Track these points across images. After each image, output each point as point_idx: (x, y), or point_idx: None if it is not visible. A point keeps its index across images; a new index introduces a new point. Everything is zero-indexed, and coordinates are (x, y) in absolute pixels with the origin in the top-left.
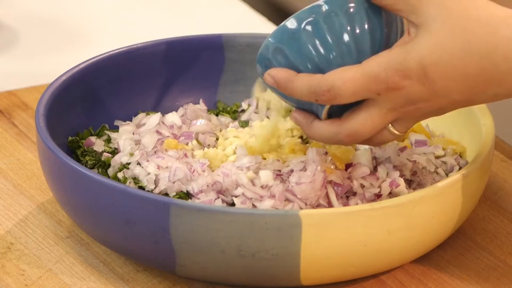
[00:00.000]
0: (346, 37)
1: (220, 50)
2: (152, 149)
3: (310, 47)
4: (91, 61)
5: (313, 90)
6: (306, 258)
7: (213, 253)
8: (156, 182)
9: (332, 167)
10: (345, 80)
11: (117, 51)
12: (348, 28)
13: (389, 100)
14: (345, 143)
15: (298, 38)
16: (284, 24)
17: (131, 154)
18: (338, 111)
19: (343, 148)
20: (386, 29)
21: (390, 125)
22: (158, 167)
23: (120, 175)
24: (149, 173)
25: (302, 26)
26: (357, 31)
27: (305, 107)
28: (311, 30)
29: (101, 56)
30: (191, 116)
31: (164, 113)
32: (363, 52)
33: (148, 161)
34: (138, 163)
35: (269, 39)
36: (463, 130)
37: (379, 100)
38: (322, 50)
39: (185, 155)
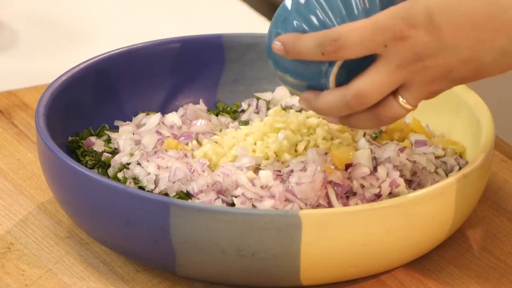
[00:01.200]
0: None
1: (220, 50)
2: (152, 149)
3: (314, 17)
4: (91, 61)
5: (319, 42)
6: (306, 258)
7: (213, 253)
8: (156, 182)
9: (332, 167)
10: (351, 29)
11: (117, 51)
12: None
13: (396, 53)
14: (352, 106)
15: (300, 12)
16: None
17: (131, 154)
18: (346, 81)
19: (342, 148)
20: None
21: (399, 97)
22: (158, 167)
23: (120, 175)
24: (149, 173)
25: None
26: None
27: (314, 86)
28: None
29: (101, 56)
30: (191, 116)
31: (164, 113)
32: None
33: (148, 161)
34: (138, 163)
35: (270, 27)
36: (463, 130)
37: (386, 54)
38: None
39: (185, 155)
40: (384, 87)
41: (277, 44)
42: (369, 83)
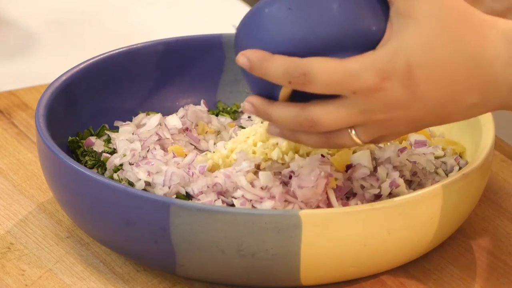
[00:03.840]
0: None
1: (220, 50)
2: (144, 150)
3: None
4: (91, 61)
5: (289, 71)
6: (306, 258)
7: (213, 253)
8: (151, 186)
9: (332, 168)
10: (323, 69)
11: (117, 51)
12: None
13: (364, 102)
14: (302, 127)
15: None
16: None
17: (124, 155)
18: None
19: (341, 151)
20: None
21: (353, 130)
22: (149, 174)
23: (116, 176)
24: (139, 179)
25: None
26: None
27: (265, 93)
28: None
29: (101, 56)
30: (192, 117)
31: (164, 113)
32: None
33: (138, 166)
34: (131, 164)
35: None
36: (463, 130)
37: (353, 99)
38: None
39: (174, 155)
40: (340, 124)
41: (241, 59)
42: (326, 114)
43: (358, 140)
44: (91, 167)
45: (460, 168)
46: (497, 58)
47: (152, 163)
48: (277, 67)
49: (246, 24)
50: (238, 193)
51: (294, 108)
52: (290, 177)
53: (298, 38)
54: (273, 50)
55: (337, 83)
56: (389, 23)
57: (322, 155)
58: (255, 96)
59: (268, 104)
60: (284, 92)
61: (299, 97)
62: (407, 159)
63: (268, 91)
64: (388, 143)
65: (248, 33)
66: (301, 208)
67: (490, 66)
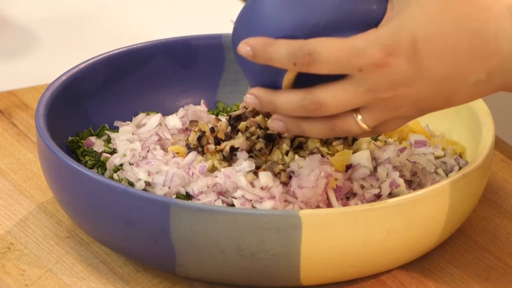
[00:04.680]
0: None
1: (220, 50)
2: (144, 150)
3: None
4: (91, 61)
5: (293, 53)
6: (306, 258)
7: (213, 253)
8: (151, 186)
9: (331, 168)
10: (329, 47)
11: (117, 51)
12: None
13: (370, 79)
14: (307, 111)
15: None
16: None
17: (124, 155)
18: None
19: (341, 151)
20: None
21: (358, 115)
22: (149, 174)
23: (116, 176)
24: (140, 179)
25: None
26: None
27: (267, 84)
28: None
29: (101, 56)
30: (192, 117)
31: (164, 113)
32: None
33: (138, 166)
34: (131, 164)
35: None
36: (463, 130)
37: (358, 77)
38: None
39: (174, 155)
40: (347, 105)
41: (243, 48)
42: (332, 96)
43: (363, 125)
44: (91, 167)
45: (460, 168)
46: (502, 33)
47: (152, 163)
48: (281, 50)
49: (244, 15)
50: (238, 193)
51: (299, 93)
52: (290, 177)
53: (299, 21)
54: (275, 37)
55: (343, 61)
56: (390, 2)
57: (322, 155)
58: (257, 87)
59: (271, 93)
60: (287, 79)
61: (302, 84)
62: (407, 159)
63: (270, 81)
64: (389, 138)
65: (248, 23)
66: (301, 208)
67: (494, 40)
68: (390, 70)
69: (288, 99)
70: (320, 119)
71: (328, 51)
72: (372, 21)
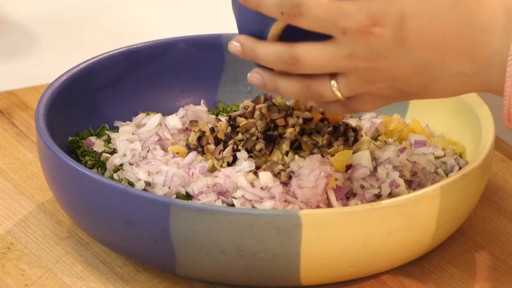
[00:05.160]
0: None
1: (220, 50)
2: (144, 150)
3: None
4: (91, 61)
5: (282, 2)
6: (306, 258)
7: (213, 253)
8: (152, 186)
9: (331, 168)
10: (318, 3)
11: (117, 51)
12: None
13: (352, 44)
14: (285, 63)
15: None
16: None
17: (124, 155)
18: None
19: (340, 151)
20: None
21: (334, 81)
22: (149, 173)
23: (116, 176)
24: (140, 179)
25: None
26: None
27: (255, 33)
28: None
29: (101, 56)
30: (192, 117)
31: (164, 113)
32: None
33: (138, 166)
34: (131, 164)
35: None
36: (463, 130)
37: (341, 40)
38: None
39: (174, 155)
40: (324, 66)
41: None
42: (311, 54)
43: (337, 92)
44: (91, 167)
45: (460, 168)
46: (492, 27)
47: (152, 163)
48: None
49: None
50: (238, 193)
51: (281, 45)
52: (290, 177)
53: None
54: None
55: (328, 19)
56: None
57: (322, 155)
58: (243, 35)
59: (255, 41)
60: (273, 31)
61: (289, 39)
62: (407, 159)
63: (257, 30)
64: (389, 138)
65: None
66: (301, 208)
67: (483, 33)
68: (372, 40)
69: (269, 49)
70: (296, 77)
71: (316, 7)
72: None
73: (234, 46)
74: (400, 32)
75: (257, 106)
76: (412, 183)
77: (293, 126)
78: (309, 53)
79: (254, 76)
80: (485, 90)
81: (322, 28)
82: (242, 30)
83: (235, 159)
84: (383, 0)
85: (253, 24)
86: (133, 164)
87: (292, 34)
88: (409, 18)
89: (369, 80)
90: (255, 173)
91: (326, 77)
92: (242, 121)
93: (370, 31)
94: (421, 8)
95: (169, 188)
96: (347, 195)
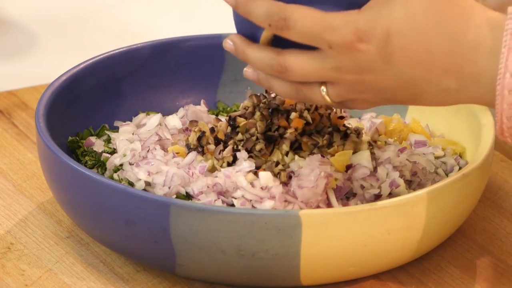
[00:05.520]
0: None
1: (220, 50)
2: (146, 151)
3: None
4: (91, 61)
5: (270, 14)
6: (306, 258)
7: (213, 253)
8: (152, 186)
9: (331, 168)
10: (304, 17)
11: (117, 51)
12: None
13: (338, 58)
14: (274, 70)
15: None
16: None
17: (124, 155)
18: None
19: (340, 151)
20: None
21: (324, 87)
22: (149, 173)
23: (116, 176)
24: (140, 179)
25: None
26: None
27: (248, 34)
28: None
29: (101, 56)
30: (192, 117)
31: (164, 113)
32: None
33: (138, 166)
34: (131, 164)
35: None
36: (463, 130)
37: (328, 54)
38: None
39: (174, 155)
40: (312, 76)
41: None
42: (299, 64)
43: (327, 98)
44: (91, 167)
45: (460, 168)
46: (480, 43)
47: (152, 163)
48: (260, 8)
49: None
50: (238, 193)
51: (270, 52)
52: (290, 177)
53: None
54: None
55: (315, 33)
56: None
57: (322, 155)
58: (237, 35)
59: (247, 44)
60: (265, 36)
61: (279, 44)
62: (407, 159)
63: (251, 32)
64: (389, 139)
65: None
66: (301, 208)
67: (471, 50)
68: (358, 55)
69: (259, 55)
70: (289, 83)
71: (303, 20)
72: (357, 2)
73: (228, 44)
74: (386, 49)
75: (259, 107)
76: (412, 183)
77: (295, 129)
78: (296, 63)
79: (250, 71)
80: (474, 103)
81: (309, 41)
82: (238, 30)
83: (235, 159)
84: (369, 16)
85: (246, 26)
86: (133, 164)
87: (284, 39)
88: (395, 35)
89: (356, 90)
90: (255, 173)
91: (316, 84)
92: (242, 121)
93: (355, 47)
94: (408, 26)
95: (169, 188)
96: (347, 195)
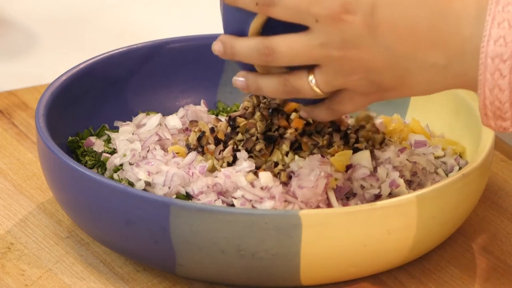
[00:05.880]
0: None
1: None
2: (146, 151)
3: None
4: (91, 61)
5: None
6: (306, 258)
7: (213, 253)
8: (152, 186)
9: (331, 168)
10: None
11: (117, 51)
12: None
13: (324, 32)
14: (261, 54)
15: None
16: None
17: (124, 155)
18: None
19: (340, 151)
20: None
21: (312, 76)
22: (149, 173)
23: (116, 176)
24: (140, 179)
25: None
26: None
27: (236, 31)
28: None
29: (101, 56)
30: (192, 117)
31: (164, 113)
32: None
33: (138, 166)
34: (131, 164)
35: None
36: (463, 130)
37: (314, 29)
38: None
39: (174, 155)
40: (298, 56)
41: None
42: (285, 44)
43: (316, 88)
44: (91, 167)
45: (460, 168)
46: (464, 15)
47: (152, 163)
48: None
49: None
50: (238, 193)
51: (257, 39)
52: (290, 177)
53: None
54: None
55: (301, 8)
56: None
57: (322, 155)
58: (226, 34)
59: (234, 38)
60: (253, 27)
61: (268, 35)
62: (407, 159)
63: (239, 28)
64: (384, 144)
65: None
66: (301, 208)
67: (456, 22)
68: (344, 27)
69: (246, 43)
70: (276, 75)
71: None
72: None
73: (217, 45)
74: (371, 20)
75: (259, 107)
76: (412, 183)
77: (295, 129)
78: (283, 44)
79: (238, 81)
80: (460, 85)
81: (295, 16)
82: (226, 31)
83: (235, 159)
84: None
85: (235, 23)
86: (133, 164)
87: (271, 30)
88: (381, 7)
89: (343, 72)
90: (255, 173)
91: (303, 72)
92: (242, 122)
93: (342, 18)
94: None
95: (169, 188)
96: (347, 195)
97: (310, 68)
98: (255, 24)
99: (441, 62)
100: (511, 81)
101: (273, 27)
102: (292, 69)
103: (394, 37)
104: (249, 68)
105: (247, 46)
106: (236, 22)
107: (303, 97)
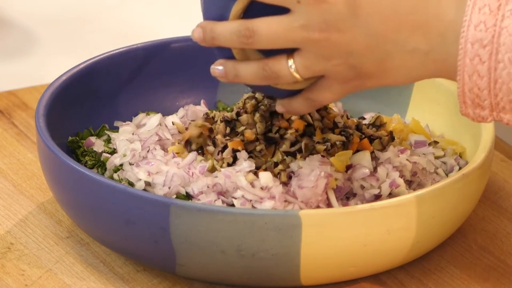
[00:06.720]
0: None
1: None
2: (146, 151)
3: None
4: (91, 61)
5: None
6: (306, 258)
7: (213, 253)
8: (152, 186)
9: (332, 168)
10: None
11: (117, 51)
12: None
13: (306, 13)
14: (241, 36)
15: None
16: None
17: (124, 155)
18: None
19: (340, 151)
20: None
21: (291, 60)
22: (149, 173)
23: (116, 176)
24: (140, 179)
25: None
26: None
27: (217, 17)
28: None
29: (101, 56)
30: (192, 117)
31: (164, 113)
32: None
33: (138, 166)
34: (131, 164)
35: None
36: (463, 130)
37: (296, 10)
38: None
39: (174, 155)
40: (279, 38)
41: None
42: (266, 26)
43: (295, 73)
44: (91, 167)
45: (460, 168)
46: None
47: (152, 163)
48: None
49: None
50: (238, 193)
51: (238, 21)
52: (290, 177)
53: None
54: None
55: None
56: None
57: (322, 155)
58: (207, 21)
59: (214, 23)
60: (234, 11)
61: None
62: (407, 160)
63: (220, 14)
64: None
65: None
66: (301, 208)
67: (437, 6)
68: (326, 8)
69: (227, 26)
70: (255, 61)
71: None
72: None
73: (196, 31)
74: (353, 1)
75: (258, 108)
76: (412, 183)
77: (296, 130)
78: (264, 25)
79: (216, 70)
80: (440, 73)
81: None
82: (206, 17)
83: (235, 159)
84: None
85: (215, 8)
86: (133, 164)
87: (252, 15)
88: None
89: (324, 56)
90: (255, 173)
91: (283, 56)
92: (240, 126)
93: (323, 0)
94: None
95: (169, 188)
96: (347, 195)
97: (290, 53)
98: (236, 8)
99: (422, 47)
100: (490, 67)
101: (254, 11)
102: (271, 55)
103: (376, 19)
104: (227, 56)
105: (228, 29)
106: (216, 7)
107: (282, 83)
